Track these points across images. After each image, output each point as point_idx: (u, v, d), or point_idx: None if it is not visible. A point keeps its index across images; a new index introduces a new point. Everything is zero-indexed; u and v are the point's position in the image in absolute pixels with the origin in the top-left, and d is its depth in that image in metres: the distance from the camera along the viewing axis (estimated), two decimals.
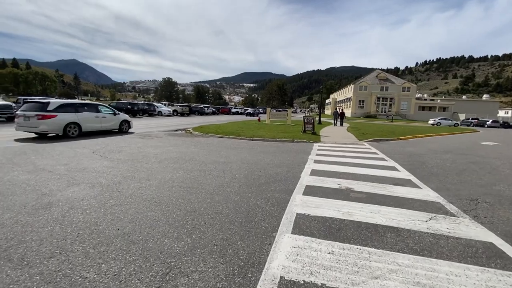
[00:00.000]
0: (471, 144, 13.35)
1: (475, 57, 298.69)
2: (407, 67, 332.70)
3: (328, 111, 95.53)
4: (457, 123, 44.80)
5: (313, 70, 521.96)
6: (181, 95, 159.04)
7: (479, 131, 27.43)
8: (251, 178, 5.11)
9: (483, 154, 9.70)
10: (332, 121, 29.98)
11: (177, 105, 40.04)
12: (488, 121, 48.27)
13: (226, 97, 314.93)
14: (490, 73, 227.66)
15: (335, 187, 4.70)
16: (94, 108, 11.84)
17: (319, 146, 10.59)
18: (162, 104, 40.07)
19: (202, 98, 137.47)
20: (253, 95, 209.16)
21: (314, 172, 5.80)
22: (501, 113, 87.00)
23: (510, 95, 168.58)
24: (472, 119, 50.45)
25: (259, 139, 12.10)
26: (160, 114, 34.43)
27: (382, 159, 7.88)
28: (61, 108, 10.13)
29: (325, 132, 17.07)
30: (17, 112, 10.32)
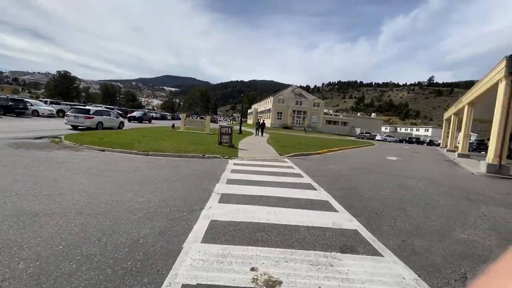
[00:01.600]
0: (380, 159, 13.84)
1: (364, 82, 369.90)
2: (315, 86, 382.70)
3: (250, 120, 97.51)
4: (397, 139, 55.03)
5: (237, 81, 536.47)
6: (84, 93, 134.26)
7: (374, 144, 31.49)
8: (55, 274, 2.25)
9: (398, 172, 9.50)
10: (253, 131, 29.33)
11: (64, 105, 31.54)
12: (376, 135, 58.08)
13: (143, 99, 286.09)
14: (374, 97, 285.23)
15: (245, 278, 2.36)
16: None
17: (234, 164, 8.36)
18: (40, 101, 30.75)
19: (111, 98, 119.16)
20: (174, 100, 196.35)
21: (214, 227, 3.36)
22: (382, 129, 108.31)
23: (387, 114, 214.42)
24: (366, 133, 59.67)
25: (158, 153, 9.00)
26: (36, 114, 26.05)
27: (310, 186, 6.19)
28: None
29: (244, 143, 15.23)
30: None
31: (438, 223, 4.23)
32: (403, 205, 5.08)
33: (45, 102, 30.42)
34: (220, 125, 12.33)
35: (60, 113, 29.49)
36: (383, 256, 2.93)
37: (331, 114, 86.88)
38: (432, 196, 6.11)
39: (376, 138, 56.23)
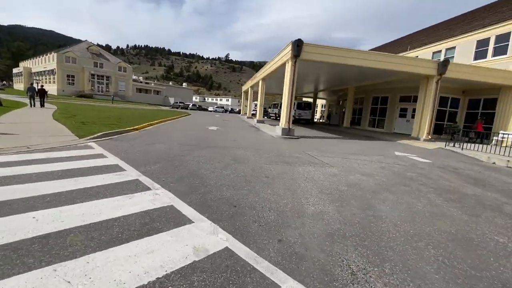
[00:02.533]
0: (204, 131, 13.70)
1: (172, 51, 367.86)
2: (118, 47, 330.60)
3: (19, 85, 67.71)
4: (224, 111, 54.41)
5: None
6: None
7: (190, 114, 32.18)
8: None
9: (225, 144, 9.53)
10: (26, 101, 20.49)
11: None
12: (189, 104, 60.53)
13: None
14: (183, 66, 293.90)
15: None
16: None
17: None
18: None
19: None
20: None
21: None
22: (193, 98, 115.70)
23: (195, 85, 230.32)
24: (180, 102, 60.37)
25: None
26: None
27: (138, 184, 4.32)
28: None
29: (5, 122, 9.40)
30: None
31: (284, 198, 4.13)
32: (252, 185, 4.69)
33: None
34: None
35: None
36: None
37: (141, 82, 79.34)
38: (265, 166, 6.36)
39: (210, 109, 58.54)
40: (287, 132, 13.27)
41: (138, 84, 71.60)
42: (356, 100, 25.35)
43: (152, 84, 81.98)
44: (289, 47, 12.75)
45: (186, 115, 27.26)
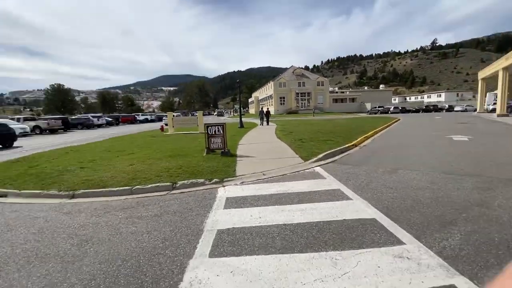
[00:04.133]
0: (453, 143, 9.49)
1: (364, 55, 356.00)
2: (314, 65, 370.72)
3: (252, 110, 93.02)
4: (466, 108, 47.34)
5: (234, 71, 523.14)
6: (83, 105, 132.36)
7: (399, 119, 26.83)
8: None
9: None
10: (257, 121, 25.67)
11: (41, 119, 27.74)
12: (390, 108, 52.94)
13: (144, 102, 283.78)
14: (376, 68, 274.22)
15: None
16: None
17: (228, 199, 4.28)
18: (12, 119, 26.92)
19: (109, 106, 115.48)
20: (171, 99, 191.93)
21: None
22: (392, 100, 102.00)
23: (392, 85, 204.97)
24: (379, 107, 54.52)
25: (93, 190, 4.99)
26: None
27: (419, 256, 2.02)
28: None
29: (246, 144, 11.03)
30: None
31: None
32: None
33: (18, 120, 26.63)
34: (206, 124, 8.11)
35: (37, 130, 25.84)
36: None
37: (336, 92, 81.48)
38: None
39: (391, 110, 50.92)
40: None
41: (334, 94, 73.98)
42: None
43: (347, 92, 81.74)
44: None
45: (395, 121, 22.74)
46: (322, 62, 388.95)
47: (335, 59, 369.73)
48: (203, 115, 19.89)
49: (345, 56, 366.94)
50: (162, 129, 20.80)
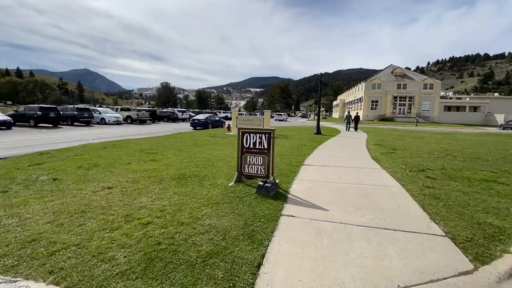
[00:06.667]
0: None
1: (491, 54, 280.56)
2: (418, 66, 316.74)
3: (336, 114, 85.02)
4: None
5: (321, 73, 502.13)
6: (184, 101, 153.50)
7: None
8: None
9: None
10: (340, 127, 20.86)
11: (134, 110, 30.68)
12: None
13: (233, 102, 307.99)
14: (510, 70, 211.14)
15: None
16: None
17: None
18: (109, 108, 30.72)
19: (204, 103, 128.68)
20: (255, 99, 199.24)
21: None
22: None
23: None
24: None
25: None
26: (103, 122, 25.36)
27: None
28: None
29: (314, 165, 7.05)
30: None
31: None
32: None
33: (116, 110, 30.27)
34: (240, 128, 4.54)
35: (128, 119, 28.58)
36: None
37: (450, 98, 64.75)
38: None
39: None
40: None
41: (446, 100, 58.57)
42: None
43: (467, 99, 63.76)
44: None
45: None
46: (429, 63, 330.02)
47: (447, 59, 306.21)
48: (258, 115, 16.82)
49: (461, 56, 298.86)
50: (229, 128, 18.84)
